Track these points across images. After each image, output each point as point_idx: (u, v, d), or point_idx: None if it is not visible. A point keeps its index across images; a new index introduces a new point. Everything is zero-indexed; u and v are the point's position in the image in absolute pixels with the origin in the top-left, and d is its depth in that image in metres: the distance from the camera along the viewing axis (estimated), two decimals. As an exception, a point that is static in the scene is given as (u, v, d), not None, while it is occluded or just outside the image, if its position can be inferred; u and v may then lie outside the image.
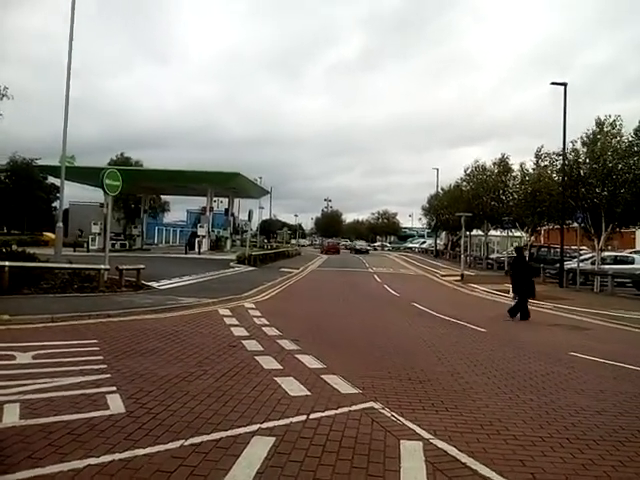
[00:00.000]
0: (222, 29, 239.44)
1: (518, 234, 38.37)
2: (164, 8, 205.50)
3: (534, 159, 29.91)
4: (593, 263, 24.89)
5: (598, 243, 23.96)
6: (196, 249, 38.15)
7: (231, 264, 28.01)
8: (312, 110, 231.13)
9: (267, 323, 10.58)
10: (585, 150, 23.95)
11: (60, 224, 17.57)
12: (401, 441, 4.54)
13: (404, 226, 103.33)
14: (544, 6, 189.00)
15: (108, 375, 6.19)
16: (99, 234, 36.96)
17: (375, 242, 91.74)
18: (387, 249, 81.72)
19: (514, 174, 35.06)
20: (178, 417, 4.90)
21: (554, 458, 4.34)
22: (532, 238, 34.97)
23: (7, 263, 12.54)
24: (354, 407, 5.44)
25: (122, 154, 49.63)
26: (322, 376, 6.60)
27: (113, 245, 35.21)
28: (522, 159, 32.95)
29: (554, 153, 26.72)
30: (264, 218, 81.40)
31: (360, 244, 73.06)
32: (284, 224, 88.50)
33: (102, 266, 14.48)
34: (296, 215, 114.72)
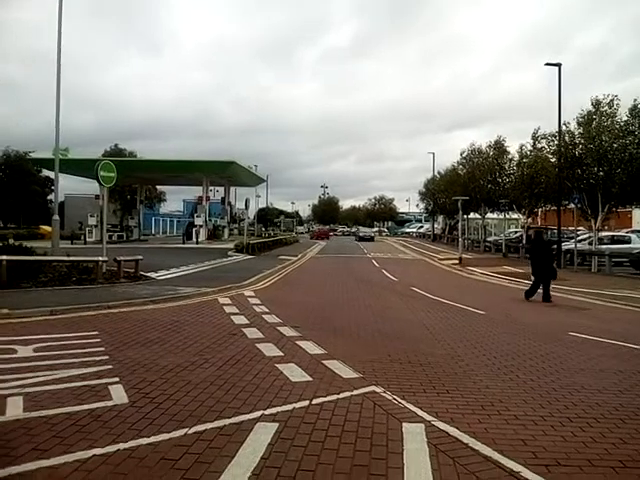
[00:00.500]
0: (214, 17, 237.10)
1: (515, 216, 38.42)
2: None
3: (531, 141, 29.88)
4: (590, 243, 24.95)
5: (595, 223, 24.01)
6: (194, 239, 38.11)
7: (229, 253, 27.99)
8: (306, 97, 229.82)
9: (267, 311, 10.60)
10: (580, 130, 23.88)
11: (56, 217, 17.49)
12: (403, 424, 4.57)
13: (401, 211, 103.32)
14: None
15: (110, 366, 6.21)
16: (96, 226, 36.85)
17: (373, 227, 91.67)
18: (385, 234, 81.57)
19: (510, 156, 35.01)
20: (181, 406, 4.92)
21: (555, 437, 4.39)
22: (529, 220, 34.99)
23: (4, 257, 12.50)
24: (356, 391, 5.47)
25: (116, 145, 49.38)
26: (323, 361, 6.63)
27: (110, 237, 35.13)
28: (519, 142, 32.93)
29: (550, 135, 26.70)
30: (261, 206, 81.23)
31: (364, 231, 65.00)
32: (281, 212, 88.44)
33: (100, 258, 14.45)
34: (293, 203, 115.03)
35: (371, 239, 56.69)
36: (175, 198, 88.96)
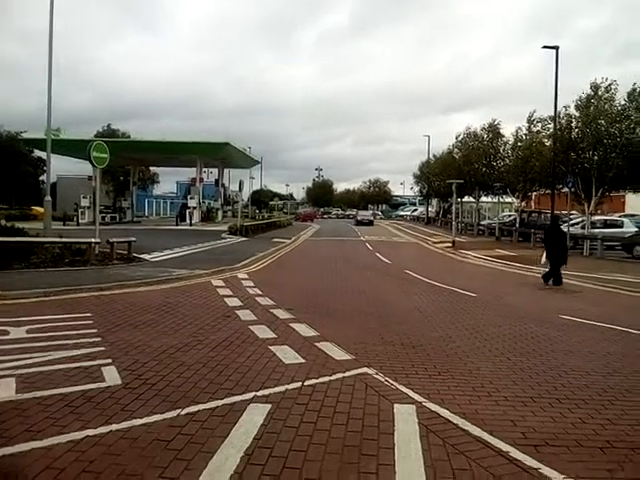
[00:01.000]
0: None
1: (509, 200, 38.49)
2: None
3: (526, 124, 29.82)
4: (583, 227, 25.07)
5: (588, 207, 24.10)
6: (187, 220, 37.93)
7: (223, 235, 27.93)
8: (303, 79, 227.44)
9: (260, 293, 10.62)
10: (578, 114, 23.83)
11: (48, 198, 17.34)
12: (395, 405, 4.62)
13: (395, 194, 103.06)
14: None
15: (103, 348, 6.22)
16: (89, 207, 36.56)
17: (368, 210, 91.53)
18: (379, 217, 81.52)
19: (505, 139, 34.92)
20: (174, 387, 4.94)
21: (544, 417, 4.45)
22: (523, 204, 35.07)
23: (-4, 238, 12.41)
24: (348, 373, 5.52)
25: (109, 125, 48.73)
26: (316, 344, 6.67)
27: (103, 218, 34.92)
28: (516, 125, 32.74)
29: (546, 118, 26.65)
30: (255, 188, 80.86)
31: (363, 214, 59.31)
32: (275, 194, 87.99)
33: (93, 239, 14.38)
34: (287, 185, 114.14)
35: (370, 223, 52.21)
36: (168, 179, 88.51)
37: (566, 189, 24.28)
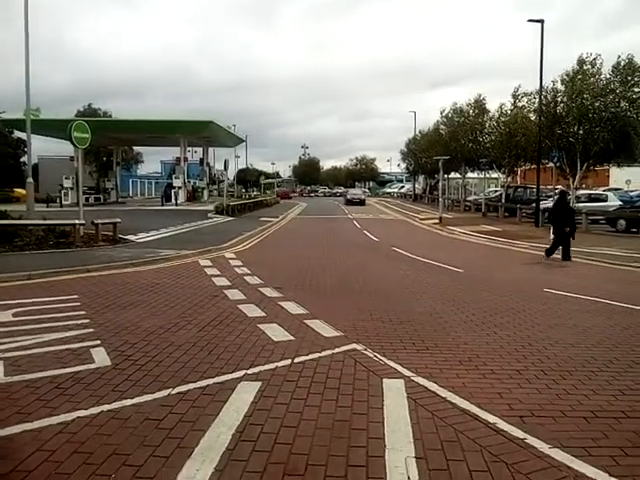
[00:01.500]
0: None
1: (495, 175, 38.66)
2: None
3: (511, 99, 29.79)
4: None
5: (573, 182, 24.28)
6: (173, 200, 37.59)
7: (209, 215, 27.76)
8: (288, 55, 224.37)
9: (249, 272, 10.61)
10: (564, 89, 23.82)
11: (30, 179, 17.05)
12: (384, 380, 4.68)
13: (382, 171, 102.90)
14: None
15: (91, 329, 6.19)
16: (72, 188, 36.03)
17: (353, 188, 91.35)
18: (366, 195, 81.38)
19: (491, 115, 34.88)
20: (164, 367, 4.95)
21: (530, 389, 4.54)
22: (509, 179, 35.24)
23: (-22, 221, 12.21)
24: (337, 349, 5.56)
25: (90, 105, 47.74)
26: (305, 321, 6.70)
27: (87, 199, 34.46)
28: (502, 100, 32.63)
29: (531, 93, 26.63)
30: (240, 167, 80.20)
31: (353, 192, 53.97)
32: (261, 173, 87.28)
33: (77, 221, 14.23)
34: (273, 163, 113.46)
35: (361, 202, 47.61)
36: (153, 159, 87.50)
37: (551, 164, 24.42)
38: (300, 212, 37.10)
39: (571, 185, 24.69)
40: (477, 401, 4.23)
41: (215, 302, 7.86)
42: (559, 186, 27.04)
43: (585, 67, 23.06)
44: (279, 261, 12.97)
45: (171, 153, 58.77)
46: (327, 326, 6.49)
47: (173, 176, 42.07)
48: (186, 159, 42.96)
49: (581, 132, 23.25)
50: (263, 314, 7.11)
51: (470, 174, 42.90)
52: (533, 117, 26.87)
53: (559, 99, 24.06)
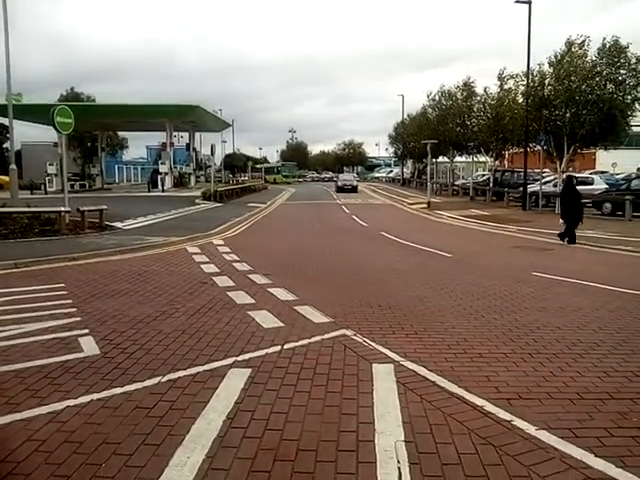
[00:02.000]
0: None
1: (483, 159, 38.71)
2: None
3: (497, 82, 29.75)
4: (555, 185, 25.44)
5: (560, 165, 24.40)
6: (159, 187, 37.28)
7: (196, 201, 27.57)
8: (273, 38, 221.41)
9: (237, 259, 10.58)
10: (551, 71, 23.81)
11: (13, 166, 16.78)
12: (373, 365, 4.71)
13: (371, 156, 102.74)
14: None
15: (79, 318, 6.15)
16: (56, 175, 35.54)
17: (341, 173, 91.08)
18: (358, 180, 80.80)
19: (479, 98, 34.81)
20: (153, 355, 4.94)
21: (517, 372, 4.60)
22: (496, 162, 35.33)
23: (-40, 209, 12.01)
24: (327, 335, 5.58)
25: (72, 89, 46.90)
26: (295, 307, 6.71)
27: (72, 186, 34.07)
28: (490, 82, 32.50)
29: (518, 74, 26.58)
30: (228, 152, 79.47)
31: (345, 178, 49.00)
32: (248, 157, 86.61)
33: (62, 208, 14.04)
34: (260, 148, 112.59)
35: (354, 189, 43.70)
36: (138, 144, 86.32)
37: (538, 147, 24.50)
38: (288, 197, 36.98)
39: (558, 169, 24.81)
40: (465, 384, 4.28)
41: (204, 289, 7.83)
42: (546, 169, 27.27)
43: (573, 49, 23.04)
44: (268, 247, 12.94)
45: (157, 138, 58.15)
46: (316, 312, 6.50)
47: (159, 162, 41.68)
48: (172, 144, 42.60)
49: (568, 115, 23.30)
50: (252, 301, 7.10)
51: (458, 158, 42.93)
52: (520, 100, 26.87)
53: (547, 82, 24.06)
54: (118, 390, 4.14)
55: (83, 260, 10.17)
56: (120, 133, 54.04)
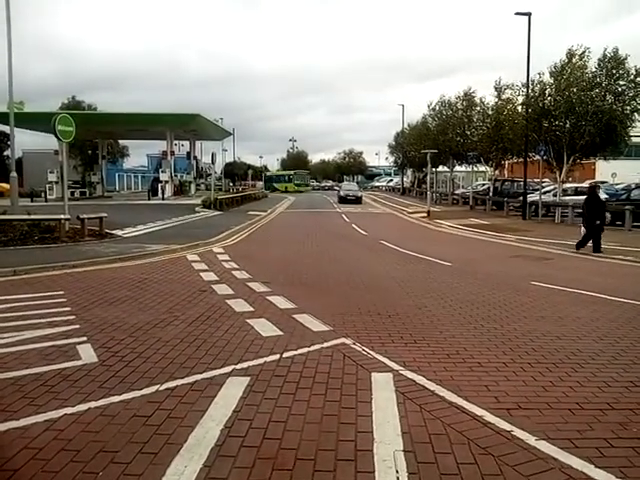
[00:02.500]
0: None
1: (482, 169, 38.82)
2: None
3: (494, 92, 29.97)
4: (555, 195, 25.50)
5: (560, 175, 24.46)
6: (160, 195, 37.35)
7: (197, 209, 27.60)
8: (274, 48, 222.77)
9: (237, 267, 10.57)
10: (552, 82, 23.93)
11: (14, 174, 16.81)
12: (372, 374, 4.69)
13: (371, 165, 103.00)
14: None
15: (77, 326, 6.14)
16: (56, 182, 35.61)
17: (342, 182, 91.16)
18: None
19: (479, 108, 34.96)
20: (151, 363, 4.92)
21: (516, 382, 4.58)
22: (496, 172, 35.41)
23: (-39, 216, 12.01)
24: (326, 344, 5.57)
25: (73, 97, 47.13)
26: (294, 316, 6.70)
27: (72, 194, 34.14)
28: (490, 92, 32.56)
29: (512, 84, 26.79)
30: (228, 161, 79.68)
31: (348, 188, 44.93)
32: (249, 166, 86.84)
33: (62, 216, 14.05)
34: (261, 157, 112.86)
35: (357, 200, 39.75)
36: (139, 153, 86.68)
37: (538, 157, 24.57)
38: (289, 206, 37.02)
39: (558, 178, 24.87)
40: (465, 394, 4.26)
41: (203, 297, 7.82)
42: (546, 179, 27.33)
43: (574, 60, 23.17)
44: (267, 255, 12.93)
45: (157, 147, 58.34)
46: (316, 320, 6.49)
47: (160, 170, 41.79)
48: (173, 153, 42.72)
49: (568, 126, 23.39)
50: (251, 309, 7.09)
51: (458, 167, 43.04)
52: (520, 109, 26.99)
53: (547, 92, 24.17)
54: (116, 398, 4.12)
55: (82, 268, 10.17)
56: (121, 141, 54.25)
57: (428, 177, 34.00)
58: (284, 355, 5.19)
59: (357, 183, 79.18)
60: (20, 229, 13.78)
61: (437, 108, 39.81)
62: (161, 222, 19.83)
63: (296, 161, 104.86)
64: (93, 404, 4.01)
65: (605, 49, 22.26)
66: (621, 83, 22.28)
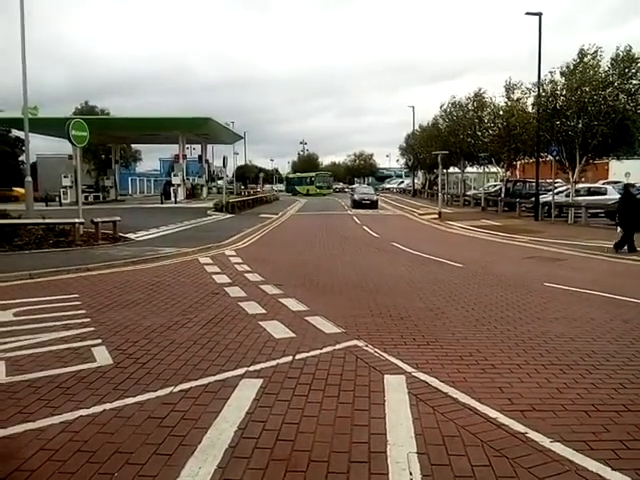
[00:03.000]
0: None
1: (494, 170, 38.59)
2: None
3: (504, 92, 29.82)
4: (567, 195, 25.28)
5: (572, 175, 24.25)
6: (172, 198, 37.61)
7: (209, 212, 27.76)
8: (286, 51, 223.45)
9: (249, 269, 10.61)
10: (563, 81, 23.74)
11: (29, 178, 17.03)
12: (385, 376, 4.69)
13: (381, 167, 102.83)
14: None
15: (92, 328, 6.20)
16: (70, 187, 36.02)
17: (353, 184, 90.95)
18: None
19: (489, 110, 34.77)
20: (165, 365, 4.96)
21: (530, 384, 4.55)
22: (508, 173, 35.19)
23: (-23, 221, 12.20)
24: (338, 346, 5.57)
25: (87, 103, 47.78)
26: (306, 318, 6.71)
27: (86, 198, 34.47)
28: (499, 92, 32.34)
29: (522, 83, 26.64)
30: (239, 164, 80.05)
31: (363, 192, 40.87)
32: (260, 169, 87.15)
33: (77, 220, 14.23)
34: (272, 160, 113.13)
35: (373, 205, 35.65)
36: (151, 157, 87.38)
37: (550, 157, 24.37)
38: (300, 208, 37.07)
39: (570, 179, 24.66)
40: (478, 396, 4.24)
41: (216, 300, 7.86)
42: (558, 180, 27.07)
43: (586, 59, 22.97)
44: (279, 258, 12.96)
45: (170, 151, 58.88)
46: (328, 322, 6.50)
47: (172, 174, 42.07)
48: (185, 156, 42.98)
49: (580, 125, 23.18)
50: (264, 311, 7.11)
51: (469, 169, 42.82)
52: (531, 110, 26.81)
53: (559, 92, 23.98)
54: (130, 400, 4.16)
55: (97, 271, 10.27)
56: (133, 145, 54.79)
57: (439, 178, 33.86)
58: (296, 357, 5.20)
59: (368, 185, 77.88)
60: (35, 233, 13.96)
61: (448, 109, 39.68)
62: (173, 225, 19.96)
63: (307, 164, 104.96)
64: (108, 406, 4.05)
65: (617, 48, 22.06)
66: (634, 82, 22.05)
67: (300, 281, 9.61)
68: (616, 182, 33.74)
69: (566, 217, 23.81)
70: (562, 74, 23.78)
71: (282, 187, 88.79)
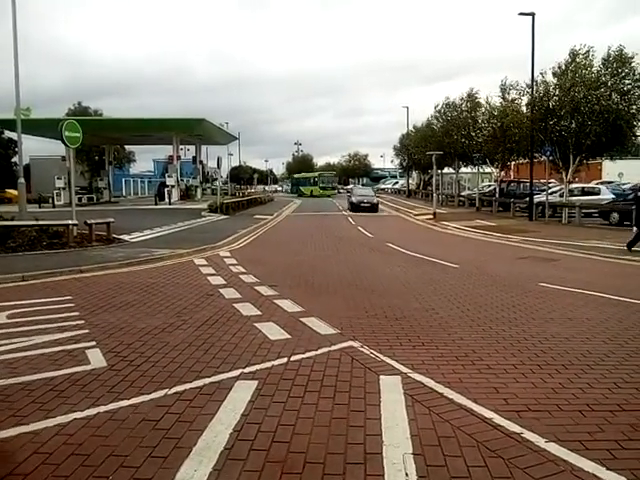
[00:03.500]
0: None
1: (488, 170, 38.70)
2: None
3: (499, 92, 29.89)
4: (561, 195, 25.38)
5: (566, 175, 24.35)
6: (166, 199, 37.48)
7: (203, 213, 27.69)
8: (281, 51, 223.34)
9: (244, 271, 10.59)
10: (555, 81, 23.84)
11: (22, 180, 16.92)
12: (380, 376, 4.69)
13: (376, 167, 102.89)
14: None
15: (86, 330, 6.17)
16: (64, 188, 35.84)
17: (347, 185, 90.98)
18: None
19: (483, 110, 34.86)
20: (160, 367, 4.94)
21: (525, 384, 4.56)
22: (502, 173, 35.29)
23: (-30, 223, 12.11)
24: (334, 347, 5.56)
25: (80, 103, 47.54)
26: (301, 319, 6.70)
27: (79, 199, 34.31)
28: (495, 92, 32.37)
29: (517, 83, 26.72)
30: (234, 165, 79.95)
31: (361, 193, 36.60)
32: (255, 170, 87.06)
33: (70, 221, 14.15)
34: (266, 160, 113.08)
35: (373, 208, 32.80)
36: (145, 158, 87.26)
37: (544, 158, 24.47)
38: (294, 209, 37.06)
39: (564, 179, 24.76)
40: (473, 396, 4.24)
41: (211, 301, 7.84)
42: (552, 180, 27.19)
43: (578, 59, 23.07)
44: (274, 259, 12.94)
45: (164, 152, 58.74)
46: (323, 324, 6.49)
47: (166, 175, 42.00)
48: (179, 157, 42.87)
49: (573, 125, 23.28)
50: (259, 313, 7.10)
51: (463, 169, 42.92)
52: (526, 110, 26.90)
53: (551, 92, 24.08)
54: (125, 402, 4.14)
55: (90, 273, 10.22)
56: (127, 147, 54.57)
57: (434, 179, 33.92)
58: (292, 358, 5.19)
59: (362, 185, 76.49)
60: (28, 235, 13.88)
61: (442, 110, 39.76)
62: (168, 227, 19.90)
63: (301, 164, 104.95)
64: (102, 408, 4.02)
65: (609, 47, 22.17)
66: (627, 82, 22.16)
67: (295, 282, 9.59)
68: (609, 182, 33.97)
69: (560, 217, 23.90)
70: (554, 74, 23.89)
71: (277, 187, 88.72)
